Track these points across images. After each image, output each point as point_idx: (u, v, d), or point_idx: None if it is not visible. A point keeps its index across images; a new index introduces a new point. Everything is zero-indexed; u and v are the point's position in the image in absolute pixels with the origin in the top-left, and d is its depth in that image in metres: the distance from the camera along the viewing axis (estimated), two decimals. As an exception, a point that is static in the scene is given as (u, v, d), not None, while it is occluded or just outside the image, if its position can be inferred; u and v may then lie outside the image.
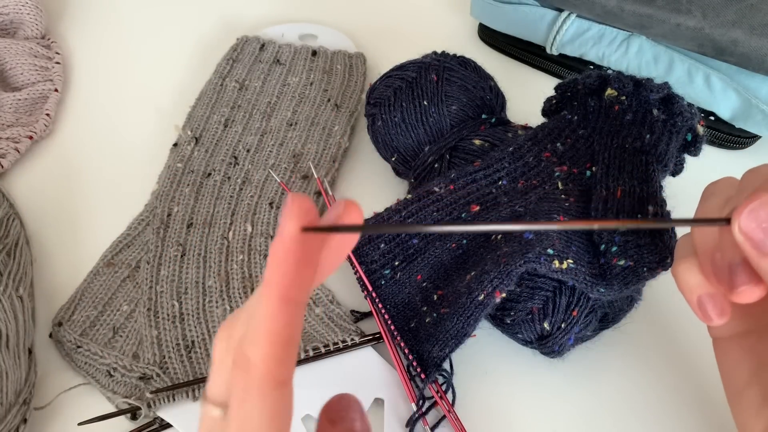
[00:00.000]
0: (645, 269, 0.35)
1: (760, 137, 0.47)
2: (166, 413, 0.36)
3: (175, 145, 0.47)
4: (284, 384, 0.18)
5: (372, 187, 0.47)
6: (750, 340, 0.29)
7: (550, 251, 0.34)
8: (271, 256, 0.18)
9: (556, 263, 0.34)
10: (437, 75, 0.42)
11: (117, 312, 0.40)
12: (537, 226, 0.22)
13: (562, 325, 0.36)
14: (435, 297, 0.38)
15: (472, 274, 0.36)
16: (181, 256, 0.42)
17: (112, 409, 0.37)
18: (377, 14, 0.57)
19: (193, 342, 0.39)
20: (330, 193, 0.45)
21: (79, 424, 0.36)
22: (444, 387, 0.37)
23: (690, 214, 0.44)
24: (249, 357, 0.18)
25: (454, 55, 0.43)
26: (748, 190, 0.25)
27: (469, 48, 0.50)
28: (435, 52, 0.44)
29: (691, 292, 0.26)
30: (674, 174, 0.40)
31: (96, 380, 0.37)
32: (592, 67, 0.49)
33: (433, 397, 0.36)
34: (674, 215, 0.37)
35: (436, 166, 0.41)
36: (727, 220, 0.22)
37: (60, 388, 0.37)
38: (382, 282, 0.39)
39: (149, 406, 0.35)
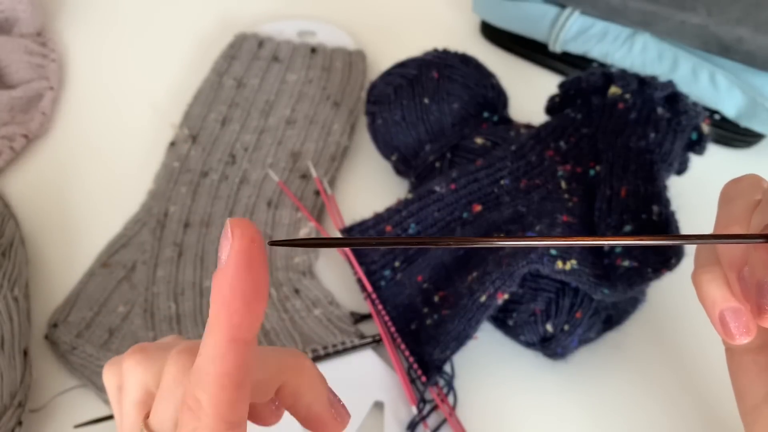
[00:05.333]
0: (650, 270, 0.35)
1: (766, 136, 0.46)
2: (163, 416, 0.35)
3: (172, 143, 0.47)
4: (237, 426, 0.17)
5: (372, 186, 0.46)
6: (767, 356, 0.26)
7: (553, 252, 0.34)
8: (216, 291, 0.17)
9: (560, 264, 0.34)
10: (438, 72, 0.41)
11: (113, 313, 0.39)
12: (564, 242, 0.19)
13: (566, 327, 0.35)
14: (436, 298, 0.38)
15: (474, 275, 0.36)
16: (178, 257, 0.42)
17: (108, 412, 0.36)
18: (377, 11, 0.57)
19: (190, 344, 0.38)
20: (329, 192, 0.44)
21: (75, 426, 0.36)
22: (445, 390, 0.36)
23: (695, 213, 0.43)
24: (199, 399, 0.17)
25: (456, 53, 0.43)
26: None
27: (471, 45, 0.50)
28: (436, 49, 0.43)
29: (714, 306, 0.24)
30: (679, 173, 0.39)
31: (92, 382, 0.37)
32: (595, 64, 0.49)
33: (434, 400, 0.36)
34: (680, 215, 0.36)
35: (437, 165, 0.41)
36: (766, 237, 0.20)
37: (55, 390, 0.37)
38: (382, 283, 0.39)
39: (145, 409, 0.35)
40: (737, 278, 0.23)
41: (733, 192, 0.26)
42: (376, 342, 0.38)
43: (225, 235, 0.17)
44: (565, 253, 0.34)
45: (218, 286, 0.17)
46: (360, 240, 0.15)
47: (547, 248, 0.34)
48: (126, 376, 0.20)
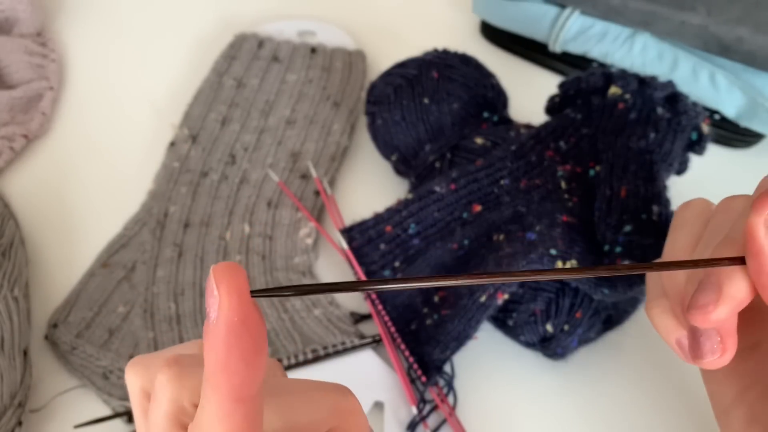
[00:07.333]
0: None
1: (766, 136, 0.46)
2: (163, 416, 0.35)
3: (172, 143, 0.47)
4: None
5: (372, 186, 0.46)
6: (733, 361, 0.27)
7: (553, 252, 0.34)
8: (210, 349, 0.15)
9: (560, 264, 0.34)
10: (438, 72, 0.41)
11: (113, 313, 0.39)
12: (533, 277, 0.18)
13: (565, 327, 0.35)
14: (436, 298, 0.37)
15: (474, 275, 0.36)
16: (178, 257, 0.42)
17: (109, 412, 0.36)
18: (377, 11, 0.57)
19: (190, 344, 0.38)
20: (329, 192, 0.44)
21: (75, 426, 0.35)
22: (445, 390, 0.36)
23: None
24: None
25: (456, 53, 0.43)
26: (735, 232, 0.21)
27: (471, 45, 0.50)
28: (436, 49, 0.43)
29: (668, 335, 0.25)
30: (679, 173, 0.39)
31: (92, 382, 0.37)
32: (595, 64, 0.49)
33: (434, 400, 0.36)
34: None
35: (437, 165, 0.41)
36: (737, 260, 0.20)
37: (55, 390, 0.37)
38: (383, 283, 0.38)
39: (145, 409, 0.35)
40: (681, 306, 0.24)
41: (679, 220, 0.27)
42: (376, 342, 0.38)
43: (210, 292, 0.15)
44: (565, 253, 0.34)
45: (212, 344, 0.15)
46: (337, 285, 0.15)
47: (547, 249, 0.34)
48: (158, 389, 0.20)
